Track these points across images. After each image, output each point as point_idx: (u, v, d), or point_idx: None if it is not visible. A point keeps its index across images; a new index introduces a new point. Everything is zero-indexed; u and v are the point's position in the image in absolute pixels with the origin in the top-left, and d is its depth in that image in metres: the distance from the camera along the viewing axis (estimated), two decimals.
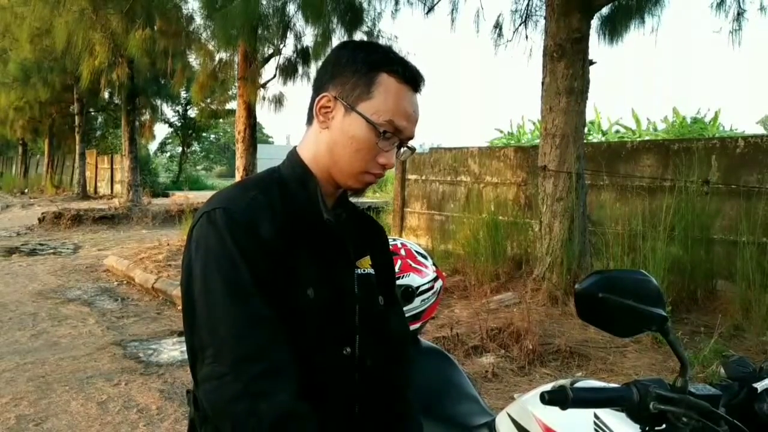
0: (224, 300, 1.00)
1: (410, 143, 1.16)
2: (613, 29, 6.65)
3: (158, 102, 19.48)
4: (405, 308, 1.79)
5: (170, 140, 37.00)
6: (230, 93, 15.45)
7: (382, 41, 8.91)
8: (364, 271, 1.20)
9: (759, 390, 1.11)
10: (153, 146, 32.20)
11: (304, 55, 9.53)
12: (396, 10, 8.33)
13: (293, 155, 1.18)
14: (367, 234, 1.28)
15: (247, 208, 1.06)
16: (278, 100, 10.41)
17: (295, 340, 1.05)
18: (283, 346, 1.01)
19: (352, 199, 1.29)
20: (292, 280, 1.07)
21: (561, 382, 1.16)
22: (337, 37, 8.49)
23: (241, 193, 1.09)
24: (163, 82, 16.44)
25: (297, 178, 1.14)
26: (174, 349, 5.03)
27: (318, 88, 1.15)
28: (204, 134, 36.37)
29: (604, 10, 6.43)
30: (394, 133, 1.10)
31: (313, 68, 9.77)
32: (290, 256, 1.06)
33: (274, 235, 1.05)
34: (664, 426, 1.01)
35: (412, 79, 1.12)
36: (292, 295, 1.06)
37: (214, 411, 1.00)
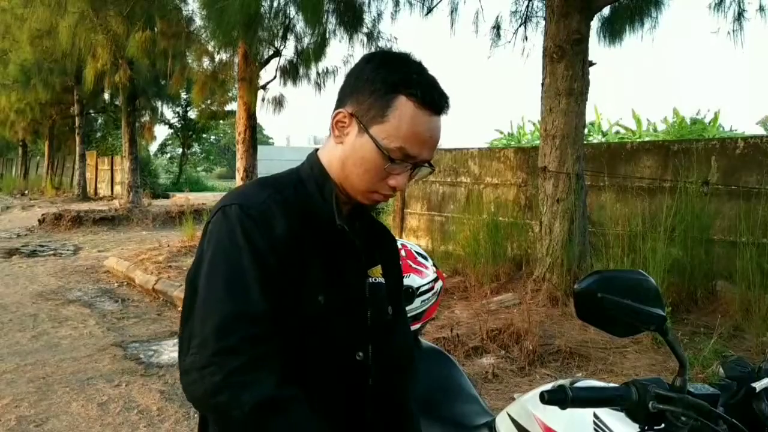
0: (223, 292, 1.01)
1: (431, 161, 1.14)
2: (613, 30, 6.65)
3: (158, 103, 19.48)
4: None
5: (170, 141, 37.00)
6: (230, 94, 15.44)
7: (381, 43, 8.92)
8: (375, 279, 1.21)
9: (757, 389, 1.12)
10: (153, 147, 32.22)
11: (304, 56, 9.53)
12: (396, 11, 8.35)
13: (313, 158, 1.18)
14: (380, 242, 1.28)
15: (262, 205, 1.06)
16: (278, 102, 10.42)
17: (307, 343, 1.06)
18: (270, 341, 1.01)
19: None
20: (303, 283, 1.07)
21: (561, 382, 1.16)
22: (337, 38, 8.50)
23: (258, 191, 1.10)
24: (163, 83, 16.44)
25: (315, 181, 1.15)
26: (174, 350, 5.04)
27: (339, 99, 1.14)
28: (204, 135, 36.36)
29: (605, 12, 6.44)
30: (405, 159, 1.08)
31: (314, 70, 9.78)
32: (302, 258, 1.07)
33: (287, 235, 1.05)
34: (663, 425, 1.02)
35: (432, 102, 1.08)
36: (301, 300, 1.07)
37: (196, 402, 1.01)
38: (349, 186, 1.13)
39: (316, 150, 1.20)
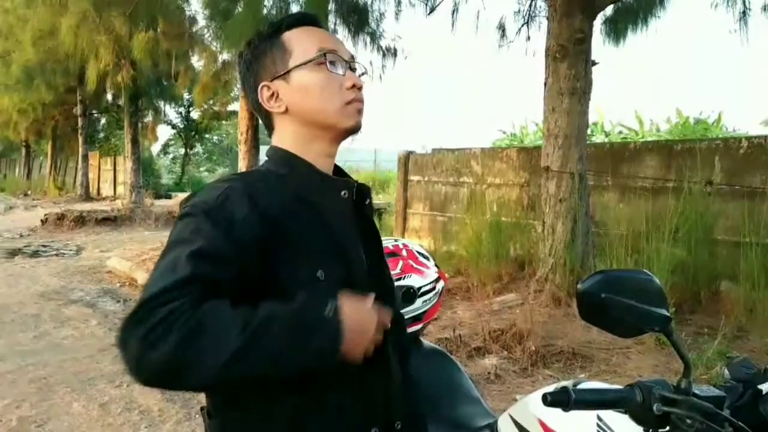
0: (168, 251, 0.97)
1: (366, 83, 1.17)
2: (617, 30, 6.63)
3: (161, 104, 19.51)
4: (406, 309, 1.78)
5: (173, 142, 37.03)
6: (233, 94, 15.42)
7: (384, 42, 8.90)
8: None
9: (764, 391, 1.10)
10: (156, 148, 32.24)
11: None
12: (399, 11, 8.33)
13: (272, 150, 1.16)
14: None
15: (219, 197, 1.01)
16: None
17: None
18: (197, 293, 0.91)
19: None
20: (295, 258, 1.02)
21: (563, 383, 1.14)
22: (341, 38, 8.46)
23: (210, 189, 1.05)
24: (166, 83, 16.47)
25: (284, 163, 1.12)
26: None
27: (252, 88, 1.15)
28: (207, 136, 36.39)
29: (608, 11, 6.42)
30: (331, 52, 1.11)
31: None
32: (286, 235, 1.01)
33: (259, 215, 0.99)
34: (667, 428, 1.00)
35: (308, 20, 1.16)
36: (296, 275, 1.01)
37: (136, 346, 0.87)
38: (324, 122, 1.11)
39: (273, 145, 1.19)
